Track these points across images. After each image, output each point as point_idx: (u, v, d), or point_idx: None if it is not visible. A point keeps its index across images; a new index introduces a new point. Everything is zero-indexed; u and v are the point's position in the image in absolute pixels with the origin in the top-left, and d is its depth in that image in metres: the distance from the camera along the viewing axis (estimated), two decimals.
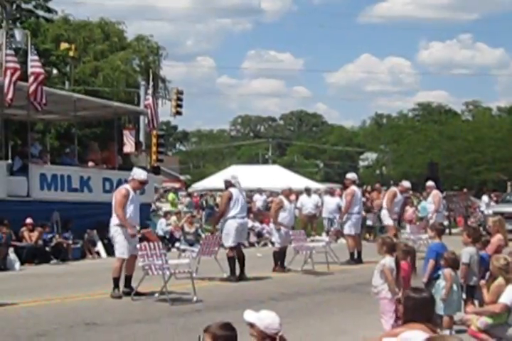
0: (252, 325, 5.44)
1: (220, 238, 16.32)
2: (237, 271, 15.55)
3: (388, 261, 8.94)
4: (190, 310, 11.80)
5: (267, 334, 5.42)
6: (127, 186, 13.57)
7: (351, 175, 20.19)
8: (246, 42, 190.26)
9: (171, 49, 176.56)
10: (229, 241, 15.54)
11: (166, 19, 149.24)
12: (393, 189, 20.59)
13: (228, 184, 15.94)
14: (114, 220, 13.32)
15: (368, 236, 27.64)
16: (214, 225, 16.97)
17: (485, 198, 35.50)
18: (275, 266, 17.31)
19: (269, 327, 5.41)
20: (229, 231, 15.49)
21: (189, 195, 35.85)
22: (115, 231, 13.38)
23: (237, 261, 15.60)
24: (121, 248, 13.27)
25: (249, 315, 5.50)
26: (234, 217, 15.51)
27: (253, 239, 26.15)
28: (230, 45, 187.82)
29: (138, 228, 14.37)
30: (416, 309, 5.67)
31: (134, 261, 13.42)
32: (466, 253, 10.30)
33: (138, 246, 12.96)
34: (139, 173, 13.62)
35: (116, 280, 13.19)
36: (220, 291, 14.18)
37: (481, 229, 20.25)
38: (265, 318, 5.44)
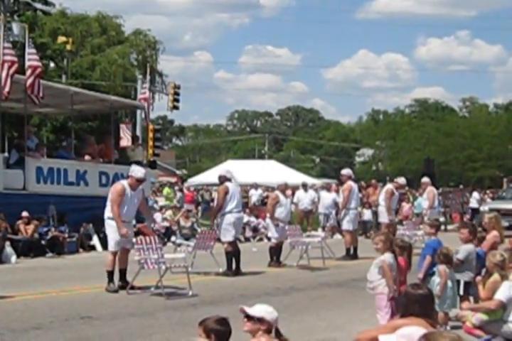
0: (259, 320, 5.46)
1: (215, 232, 16.33)
2: (233, 266, 15.57)
3: (388, 257, 8.93)
4: (185, 305, 11.80)
5: (272, 327, 5.47)
6: (124, 182, 13.52)
7: (346, 171, 20.15)
8: (243, 37, 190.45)
9: (168, 43, 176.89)
10: (227, 236, 15.54)
11: (164, 13, 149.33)
12: (389, 187, 20.50)
13: (223, 179, 15.90)
14: (107, 213, 13.35)
15: (363, 232, 27.63)
16: (212, 220, 16.88)
17: (476, 195, 35.48)
18: (271, 261, 17.33)
19: (276, 319, 5.48)
20: (226, 226, 15.49)
21: (181, 190, 35.80)
22: (106, 224, 13.44)
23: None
24: (112, 241, 13.30)
25: (255, 310, 5.52)
26: (230, 212, 15.50)
27: (249, 233, 26.18)
28: (227, 39, 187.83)
29: (134, 222, 14.35)
30: (414, 305, 5.67)
31: (126, 254, 13.43)
32: (465, 250, 10.26)
33: (134, 240, 12.96)
34: (136, 171, 13.49)
35: (110, 274, 13.20)
36: (215, 286, 14.19)
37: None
38: (272, 311, 5.52)
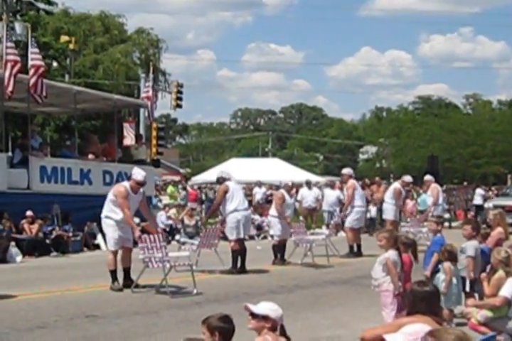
0: (264, 318, 5.46)
1: (219, 231, 16.31)
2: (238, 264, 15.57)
3: (392, 254, 8.91)
4: (190, 303, 11.80)
5: (277, 324, 5.47)
6: (126, 184, 13.48)
7: (347, 170, 20.16)
8: (246, 36, 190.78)
9: (171, 42, 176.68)
10: (234, 234, 15.52)
11: (167, 12, 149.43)
12: (396, 186, 20.48)
13: (222, 179, 15.88)
14: (104, 212, 13.35)
15: (367, 229, 27.60)
16: (207, 218, 17.41)
17: (479, 191, 35.39)
18: (275, 259, 17.33)
19: (281, 317, 5.48)
20: (233, 224, 15.47)
21: (184, 188, 35.81)
22: (104, 223, 13.44)
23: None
24: (111, 240, 13.31)
25: (260, 308, 5.51)
26: (237, 210, 15.48)
27: (253, 231, 26.14)
28: (230, 38, 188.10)
29: (138, 221, 14.36)
30: (421, 302, 5.65)
31: (128, 253, 13.43)
32: (472, 247, 10.23)
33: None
34: (137, 174, 13.40)
35: (113, 273, 13.20)
36: (219, 284, 14.18)
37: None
38: (277, 309, 5.52)
